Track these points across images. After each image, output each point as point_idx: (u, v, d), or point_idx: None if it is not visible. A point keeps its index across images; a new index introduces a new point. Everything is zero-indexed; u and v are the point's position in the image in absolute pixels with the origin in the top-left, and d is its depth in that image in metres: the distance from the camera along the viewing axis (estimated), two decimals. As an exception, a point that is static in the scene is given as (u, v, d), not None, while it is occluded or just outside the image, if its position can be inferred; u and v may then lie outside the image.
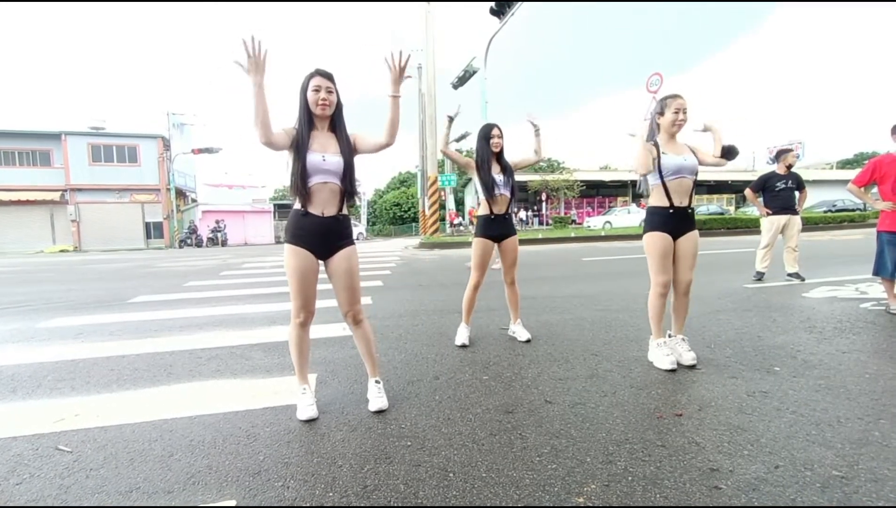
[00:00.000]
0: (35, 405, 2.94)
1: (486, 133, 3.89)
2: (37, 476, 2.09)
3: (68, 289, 8.77)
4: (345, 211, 2.65)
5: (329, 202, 2.56)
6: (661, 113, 3.27)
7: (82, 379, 3.40)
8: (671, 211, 3.27)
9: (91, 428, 2.55)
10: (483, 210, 3.98)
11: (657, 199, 3.32)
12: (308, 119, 2.54)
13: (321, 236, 2.57)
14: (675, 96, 3.22)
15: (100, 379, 3.39)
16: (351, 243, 2.68)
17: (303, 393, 2.70)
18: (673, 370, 3.22)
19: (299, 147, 2.47)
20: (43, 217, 31.25)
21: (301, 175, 2.47)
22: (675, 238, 3.31)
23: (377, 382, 2.81)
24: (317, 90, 2.47)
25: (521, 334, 4.15)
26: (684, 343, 3.39)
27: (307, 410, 2.63)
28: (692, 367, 3.26)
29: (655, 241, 3.30)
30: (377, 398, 2.73)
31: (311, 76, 2.51)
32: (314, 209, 2.54)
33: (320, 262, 2.65)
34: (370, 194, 59.70)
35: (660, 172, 3.26)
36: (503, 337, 4.24)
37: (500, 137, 3.89)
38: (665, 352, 3.31)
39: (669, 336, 3.46)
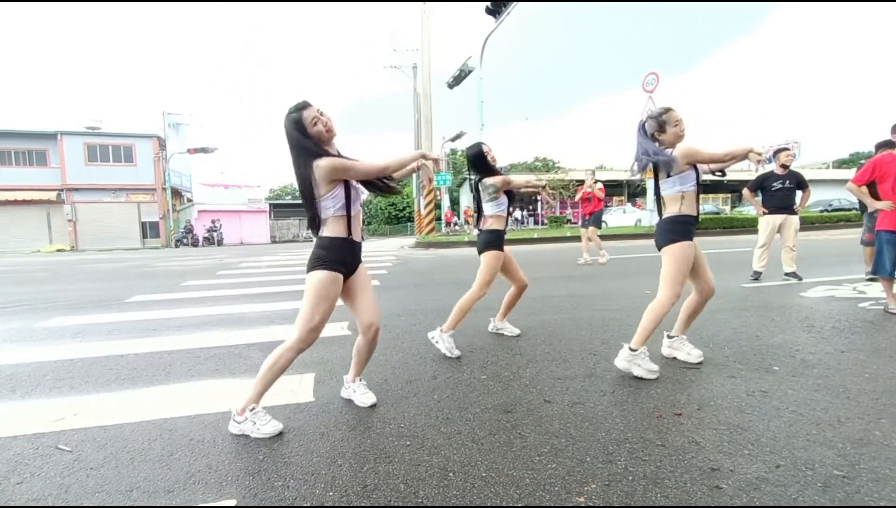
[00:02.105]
0: (34, 405, 2.93)
1: (483, 152, 3.86)
2: (37, 475, 2.08)
3: (66, 289, 8.74)
4: None
5: (360, 227, 2.62)
6: (662, 130, 3.09)
7: (81, 379, 3.39)
8: (697, 219, 3.14)
9: (91, 427, 2.55)
10: (500, 225, 3.90)
11: (689, 207, 3.12)
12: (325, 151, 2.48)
13: (356, 261, 2.63)
14: (668, 110, 3.08)
15: (98, 379, 3.38)
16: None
17: (259, 411, 2.46)
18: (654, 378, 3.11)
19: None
20: (39, 217, 31.17)
21: (347, 205, 2.50)
22: None
23: (361, 380, 2.90)
24: (315, 122, 2.41)
25: (511, 329, 4.33)
26: (688, 342, 3.44)
27: (276, 424, 2.46)
28: (698, 365, 3.28)
29: (688, 252, 3.08)
30: (365, 394, 2.82)
31: (299, 114, 2.41)
32: (355, 236, 2.57)
33: None
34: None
35: (697, 177, 3.12)
36: (501, 337, 4.24)
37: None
38: (648, 363, 3.14)
39: (669, 337, 3.46)
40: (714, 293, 3.33)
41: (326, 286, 2.46)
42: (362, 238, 2.64)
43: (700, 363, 3.30)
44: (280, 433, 2.42)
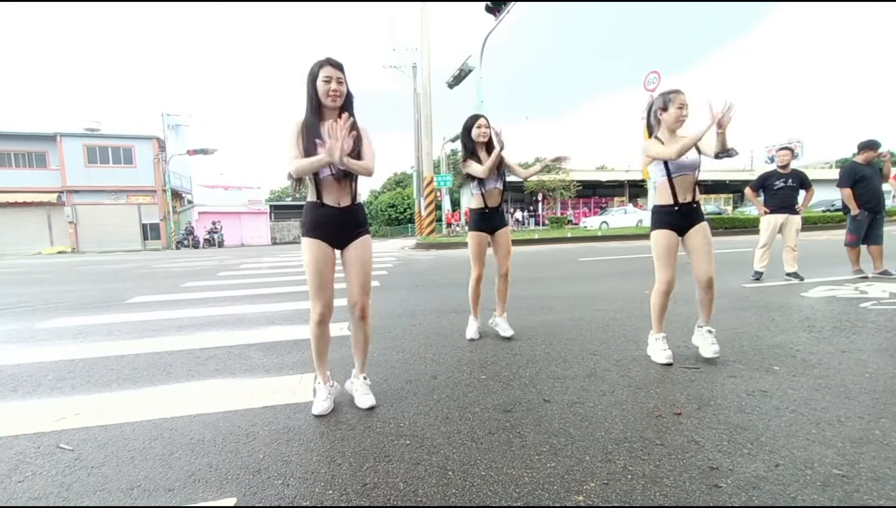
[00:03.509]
0: (36, 405, 2.94)
1: (469, 125, 3.96)
2: (39, 474, 2.09)
3: (66, 290, 8.76)
4: (359, 200, 2.66)
5: (344, 193, 2.57)
6: (665, 109, 3.25)
7: (82, 379, 3.39)
8: (676, 208, 3.29)
9: (91, 427, 2.55)
10: (477, 203, 4.06)
11: (663, 196, 3.33)
12: (317, 109, 2.50)
13: (338, 227, 2.58)
14: (677, 92, 3.20)
15: (99, 379, 3.38)
16: (366, 231, 2.69)
17: (318, 385, 2.73)
18: (669, 365, 3.27)
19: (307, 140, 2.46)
20: (40, 219, 31.18)
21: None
22: (683, 233, 3.32)
23: (365, 378, 2.83)
24: (328, 81, 2.44)
25: (505, 329, 4.23)
26: (710, 335, 3.40)
27: (321, 404, 2.66)
28: (712, 360, 3.31)
29: (659, 239, 3.34)
30: (366, 396, 2.76)
31: (322, 65, 2.45)
32: (329, 200, 2.54)
33: (337, 253, 2.66)
34: (366, 195, 59.60)
35: (666, 168, 3.28)
36: (501, 336, 4.24)
37: (487, 126, 3.93)
38: (662, 346, 3.37)
39: (699, 327, 3.47)
40: (705, 282, 3.33)
41: (307, 252, 2.54)
42: (352, 206, 2.60)
43: (669, 365, 3.28)
44: (319, 416, 2.62)
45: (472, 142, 3.96)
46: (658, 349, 3.36)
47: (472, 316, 4.25)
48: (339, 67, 2.48)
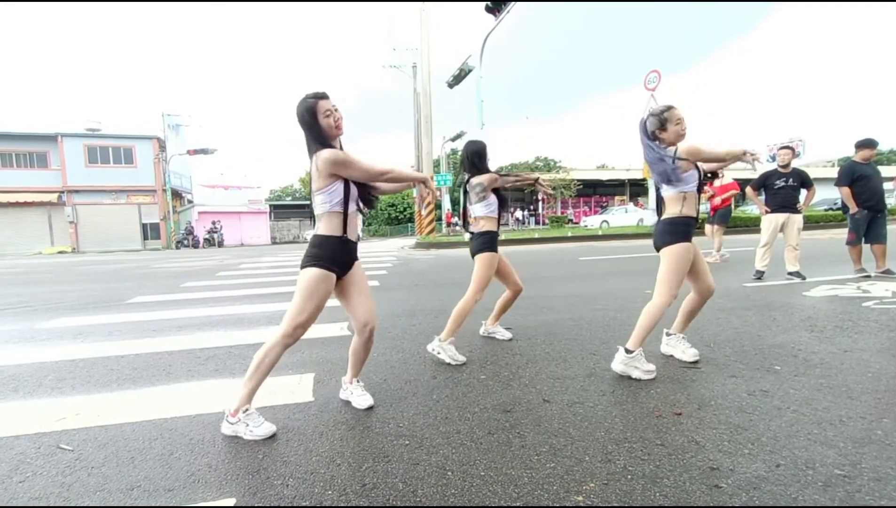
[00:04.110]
0: (37, 405, 2.94)
1: (483, 150, 3.75)
2: (39, 474, 2.10)
3: (67, 290, 8.77)
4: None
5: (356, 227, 2.59)
6: (663, 128, 3.06)
7: (82, 379, 3.40)
8: (697, 220, 3.19)
9: (92, 427, 2.56)
10: (493, 225, 3.78)
11: (690, 208, 3.13)
12: (328, 141, 2.46)
13: (350, 260, 2.59)
14: (669, 108, 3.05)
15: (100, 379, 3.39)
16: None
17: (250, 415, 2.42)
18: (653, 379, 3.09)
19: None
20: (41, 219, 31.23)
21: (345, 203, 2.48)
22: None
23: (359, 381, 2.84)
24: (328, 114, 2.41)
25: (504, 334, 4.22)
26: (685, 341, 3.42)
27: (267, 424, 2.44)
28: (695, 363, 3.28)
29: (688, 254, 3.09)
30: (363, 397, 2.77)
31: (316, 102, 2.41)
32: (351, 235, 2.55)
33: None
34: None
35: (699, 179, 3.12)
36: (499, 340, 4.23)
37: None
38: (645, 363, 3.13)
39: (667, 335, 3.47)
40: (713, 294, 3.34)
41: (317, 284, 2.44)
42: (358, 237, 2.64)
43: (696, 362, 3.29)
44: (273, 436, 2.40)
45: (485, 166, 3.74)
46: (646, 365, 3.12)
47: (452, 339, 3.65)
48: (328, 97, 2.47)
